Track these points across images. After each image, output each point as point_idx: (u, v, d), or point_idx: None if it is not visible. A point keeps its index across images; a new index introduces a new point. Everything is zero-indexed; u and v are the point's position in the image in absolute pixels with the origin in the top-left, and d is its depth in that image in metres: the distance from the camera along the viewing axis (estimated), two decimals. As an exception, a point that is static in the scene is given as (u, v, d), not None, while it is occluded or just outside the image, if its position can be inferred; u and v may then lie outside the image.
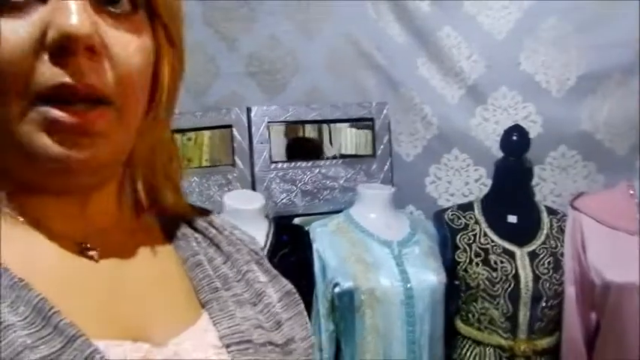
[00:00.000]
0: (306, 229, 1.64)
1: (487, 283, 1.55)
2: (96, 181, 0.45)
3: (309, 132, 1.94)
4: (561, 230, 1.59)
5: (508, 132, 1.66)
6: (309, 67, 2.02)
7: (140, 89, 0.43)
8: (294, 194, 1.74)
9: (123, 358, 0.40)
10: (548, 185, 1.78)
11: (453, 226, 1.66)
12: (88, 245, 0.44)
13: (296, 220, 1.82)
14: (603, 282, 1.38)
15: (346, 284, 1.52)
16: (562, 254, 1.54)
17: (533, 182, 1.80)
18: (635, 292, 1.32)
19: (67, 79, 0.38)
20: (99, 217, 0.47)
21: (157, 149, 0.50)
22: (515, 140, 1.65)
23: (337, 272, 1.55)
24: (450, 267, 1.62)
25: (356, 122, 1.82)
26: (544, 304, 1.51)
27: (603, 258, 1.41)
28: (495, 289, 1.54)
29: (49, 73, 0.38)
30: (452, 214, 1.68)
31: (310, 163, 1.79)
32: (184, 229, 0.54)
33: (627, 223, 1.40)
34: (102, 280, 0.44)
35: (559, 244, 1.56)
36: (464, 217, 1.67)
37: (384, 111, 1.87)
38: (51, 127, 0.39)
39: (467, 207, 1.70)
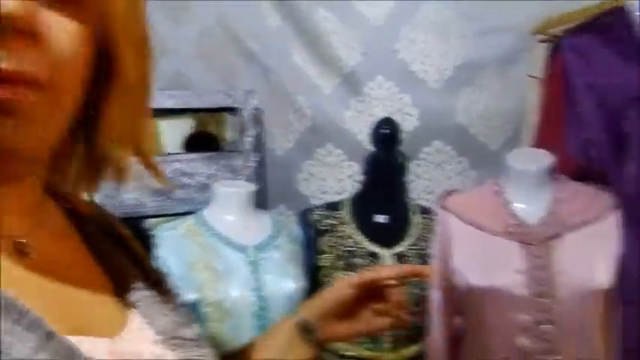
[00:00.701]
0: (152, 233, 1.44)
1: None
2: (23, 170, 0.44)
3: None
4: (432, 231, 1.49)
5: (378, 125, 1.53)
6: (176, 51, 1.82)
7: (75, 76, 0.42)
8: (143, 193, 1.53)
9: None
10: (422, 182, 1.67)
11: (319, 227, 1.51)
12: (23, 241, 0.44)
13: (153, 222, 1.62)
14: (467, 286, 1.28)
15: (190, 296, 1.34)
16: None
17: (408, 179, 1.70)
18: (500, 296, 1.23)
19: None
20: (28, 210, 0.46)
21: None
22: (385, 133, 1.53)
23: (182, 282, 1.36)
24: (314, 272, 1.48)
25: (218, 112, 1.64)
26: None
27: (468, 261, 1.31)
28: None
29: None
30: (318, 214, 1.54)
31: (164, 157, 1.58)
32: (94, 228, 0.55)
33: (492, 223, 1.30)
34: (40, 280, 0.44)
35: (429, 246, 1.46)
36: (331, 217, 1.52)
37: (252, 100, 1.70)
38: None
39: (335, 206, 1.55)
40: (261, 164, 1.72)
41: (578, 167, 1.37)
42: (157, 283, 0.56)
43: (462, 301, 1.31)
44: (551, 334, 1.19)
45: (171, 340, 0.50)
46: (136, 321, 0.50)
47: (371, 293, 0.82)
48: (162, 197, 1.55)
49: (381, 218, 1.51)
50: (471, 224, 1.32)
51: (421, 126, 1.66)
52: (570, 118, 1.34)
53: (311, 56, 1.71)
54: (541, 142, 1.41)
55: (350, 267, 1.42)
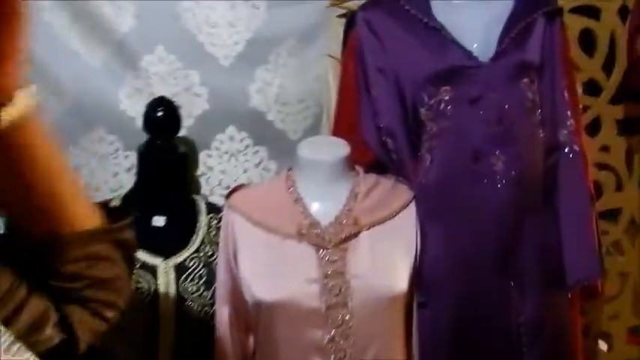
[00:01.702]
0: None
1: (114, 314, 1.14)
2: None
3: None
4: (222, 233, 1.28)
5: (150, 106, 1.25)
6: None
7: None
8: None
9: None
10: (215, 175, 1.45)
11: None
12: None
13: None
14: (254, 299, 1.09)
15: None
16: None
17: (199, 172, 1.46)
18: (290, 310, 1.06)
19: None
20: None
21: None
22: (161, 117, 1.26)
23: None
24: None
25: None
26: (190, 332, 1.17)
27: (255, 270, 1.11)
28: (128, 317, 1.13)
29: None
30: (76, 219, 1.22)
31: None
32: None
33: (282, 224, 1.13)
34: None
35: (216, 252, 1.24)
36: (93, 222, 1.22)
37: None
38: None
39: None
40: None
41: (376, 158, 1.26)
42: None
43: (251, 318, 1.12)
44: (348, 351, 1.06)
45: None
46: None
47: None
48: None
49: (159, 221, 1.24)
50: (258, 225, 1.12)
51: (212, 109, 1.42)
52: (365, 104, 1.21)
53: (70, 17, 1.35)
54: (338, 130, 1.27)
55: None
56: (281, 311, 1.06)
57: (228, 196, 1.17)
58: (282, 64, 1.42)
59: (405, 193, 1.18)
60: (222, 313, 1.15)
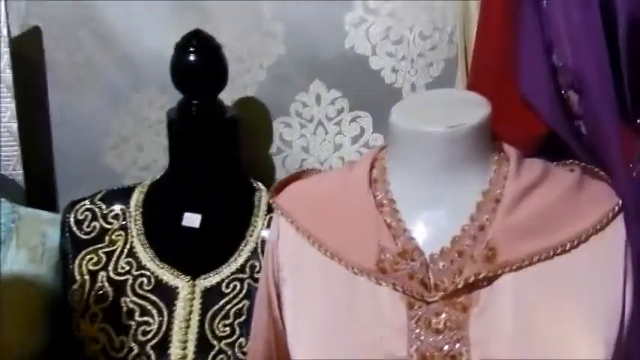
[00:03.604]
0: None
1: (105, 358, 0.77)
2: None
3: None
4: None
5: (182, 46, 0.85)
6: None
7: None
8: None
9: None
10: (295, 153, 0.99)
11: (79, 234, 0.86)
12: None
13: None
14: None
15: None
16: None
17: (273, 148, 1.03)
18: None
19: None
20: None
21: None
22: (195, 62, 0.84)
23: None
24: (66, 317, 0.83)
25: None
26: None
27: (302, 320, 0.64)
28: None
29: None
30: (85, 211, 0.88)
31: None
32: None
33: (354, 248, 0.63)
34: None
35: (270, 273, 0.80)
36: (105, 216, 0.88)
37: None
38: None
39: (121, 196, 0.89)
40: None
41: (547, 129, 0.69)
42: None
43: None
44: None
45: None
46: None
47: None
48: None
49: (192, 219, 0.85)
50: (315, 243, 0.66)
51: (289, 55, 0.96)
52: (529, 28, 0.64)
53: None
54: (477, 80, 0.73)
55: (112, 315, 0.75)
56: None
57: (277, 189, 0.73)
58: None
59: (602, 198, 0.61)
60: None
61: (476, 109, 0.61)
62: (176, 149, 0.85)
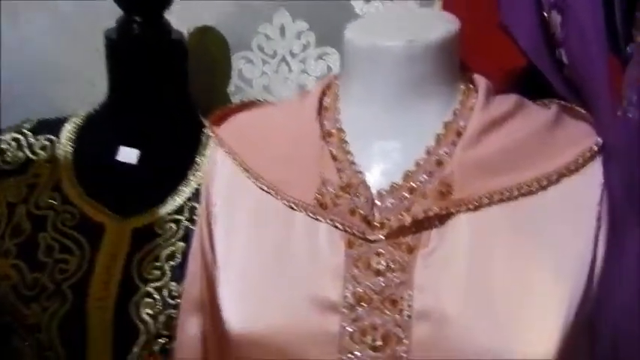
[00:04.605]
0: None
1: (16, 297, 0.69)
2: None
3: None
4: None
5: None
6: None
7: None
8: None
9: None
10: (256, 91, 0.87)
11: (0, 164, 0.77)
12: None
13: None
14: (226, 326, 0.56)
15: None
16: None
17: (232, 87, 0.93)
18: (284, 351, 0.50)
19: None
20: None
21: None
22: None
23: None
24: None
25: None
26: (142, 347, 0.67)
27: (235, 265, 0.56)
28: (31, 310, 0.66)
29: None
30: (11, 140, 0.78)
31: None
32: None
33: (295, 181, 0.54)
34: None
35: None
36: (32, 146, 0.78)
37: None
38: None
39: (52, 127, 0.78)
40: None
41: (524, 60, 0.61)
42: None
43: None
44: None
45: None
46: None
47: None
48: None
49: (129, 155, 0.76)
50: (252, 176, 0.58)
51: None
52: None
53: None
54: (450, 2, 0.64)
55: (27, 253, 0.67)
56: (265, 354, 0.52)
57: (217, 119, 0.63)
58: None
59: (580, 138, 0.52)
60: (189, 327, 0.64)
61: (441, 24, 0.53)
62: (115, 75, 0.75)
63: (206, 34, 0.89)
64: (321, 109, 0.56)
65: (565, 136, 0.52)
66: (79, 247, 0.67)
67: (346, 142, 0.53)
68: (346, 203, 0.49)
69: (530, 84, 0.60)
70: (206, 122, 0.76)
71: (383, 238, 0.48)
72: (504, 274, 0.46)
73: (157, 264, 0.67)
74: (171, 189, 0.73)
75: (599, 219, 0.49)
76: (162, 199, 0.72)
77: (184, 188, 0.73)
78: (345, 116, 0.55)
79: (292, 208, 0.52)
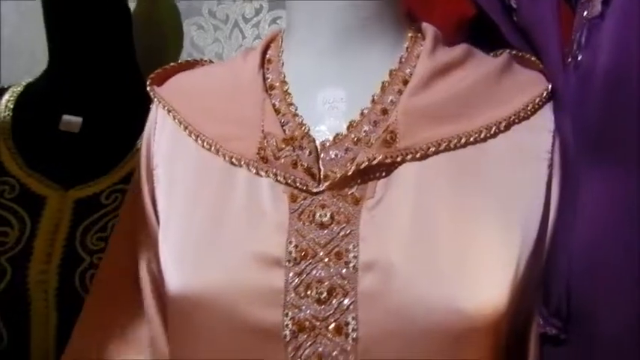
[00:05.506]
0: None
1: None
2: None
3: None
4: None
5: None
6: None
7: None
8: None
9: None
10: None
11: None
12: None
13: None
14: (167, 283, 0.53)
15: None
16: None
17: (184, 54, 0.90)
18: (222, 315, 0.47)
19: None
20: None
21: None
22: None
23: None
24: None
25: None
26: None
27: (174, 224, 0.54)
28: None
29: None
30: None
31: None
32: None
33: (236, 135, 0.52)
34: None
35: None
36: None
37: None
38: None
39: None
40: None
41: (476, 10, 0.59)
42: None
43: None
44: None
45: None
46: None
47: None
48: None
49: (72, 124, 0.73)
50: (192, 134, 0.56)
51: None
52: None
53: None
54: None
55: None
56: (206, 316, 0.50)
57: (158, 78, 0.60)
58: None
59: (530, 85, 0.50)
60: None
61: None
62: (54, 37, 0.71)
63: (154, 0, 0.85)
64: (264, 62, 0.54)
65: (515, 83, 0.51)
66: (19, 220, 0.64)
67: (289, 93, 0.51)
68: (289, 156, 0.47)
69: (480, 35, 0.59)
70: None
71: (326, 189, 0.46)
72: (449, 226, 0.45)
73: (103, 234, 0.64)
74: (117, 158, 0.70)
75: (550, 166, 0.48)
76: (107, 169, 0.69)
77: (130, 158, 0.70)
78: (289, 67, 0.52)
79: (233, 163, 0.49)
